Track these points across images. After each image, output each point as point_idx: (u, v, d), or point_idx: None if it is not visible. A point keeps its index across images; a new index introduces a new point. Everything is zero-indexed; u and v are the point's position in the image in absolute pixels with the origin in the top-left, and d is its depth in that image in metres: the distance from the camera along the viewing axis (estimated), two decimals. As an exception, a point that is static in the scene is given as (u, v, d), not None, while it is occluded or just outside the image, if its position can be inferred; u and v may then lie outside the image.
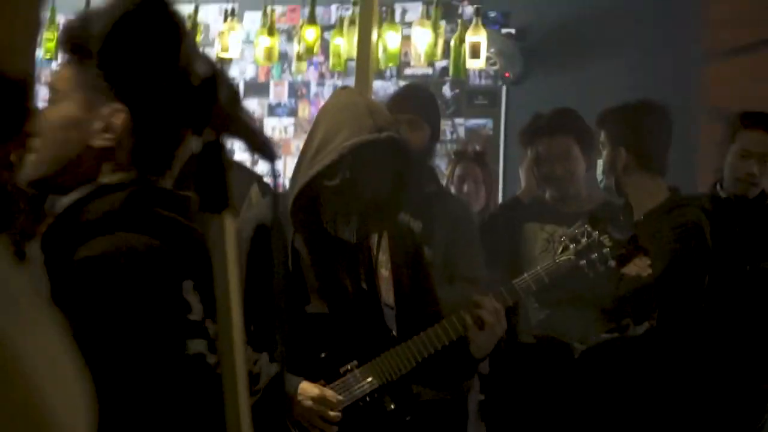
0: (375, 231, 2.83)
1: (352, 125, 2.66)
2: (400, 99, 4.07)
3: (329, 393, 2.69)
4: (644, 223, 3.54)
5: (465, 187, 4.86)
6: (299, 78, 6.68)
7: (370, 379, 2.75)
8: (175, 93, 0.94)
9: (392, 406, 2.78)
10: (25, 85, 0.63)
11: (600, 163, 3.69)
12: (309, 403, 2.66)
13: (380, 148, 2.67)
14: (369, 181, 2.70)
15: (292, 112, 6.78)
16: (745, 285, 3.92)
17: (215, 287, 1.00)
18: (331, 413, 2.68)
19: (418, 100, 4.08)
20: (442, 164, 5.66)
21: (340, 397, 2.70)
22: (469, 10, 6.24)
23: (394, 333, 2.81)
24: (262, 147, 1.07)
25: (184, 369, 1.75)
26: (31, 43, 0.64)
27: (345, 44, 5.37)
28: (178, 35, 0.91)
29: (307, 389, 2.67)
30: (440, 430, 3.68)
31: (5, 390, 0.52)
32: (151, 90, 0.93)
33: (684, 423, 3.83)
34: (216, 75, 0.96)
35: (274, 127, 6.83)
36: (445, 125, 6.36)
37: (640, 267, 3.44)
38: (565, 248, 2.97)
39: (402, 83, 6.27)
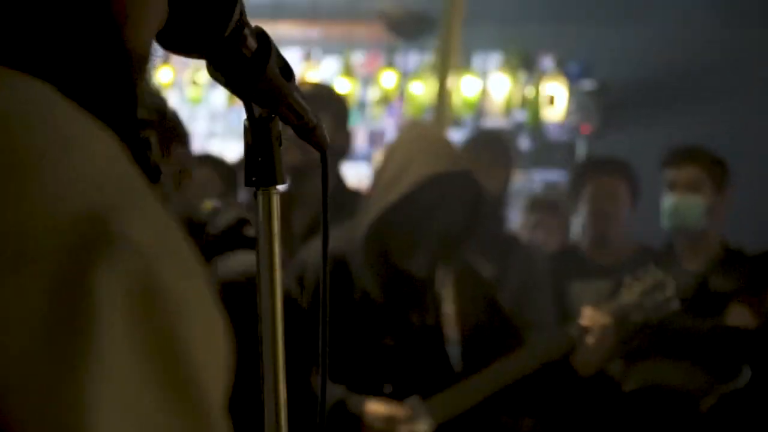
0: (441, 265, 2.81)
1: (428, 156, 2.66)
2: (475, 145, 4.08)
3: (397, 411, 2.66)
4: (716, 268, 3.49)
5: (537, 236, 4.84)
6: (376, 125, 6.72)
7: (433, 416, 2.72)
8: (224, 63, 0.94)
9: None
10: (147, 61, 0.72)
11: (694, 201, 3.60)
12: (380, 424, 2.64)
13: (454, 181, 2.67)
14: (441, 213, 2.69)
15: (369, 159, 6.82)
16: None
17: (258, 262, 1.00)
18: (405, 428, 2.65)
19: (494, 147, 4.09)
20: (516, 214, 5.64)
21: (408, 413, 2.66)
22: (548, 61, 6.23)
23: (458, 370, 2.78)
24: (310, 134, 1.06)
25: None
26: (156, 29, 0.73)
27: (423, 91, 5.40)
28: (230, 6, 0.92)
29: (375, 410, 2.65)
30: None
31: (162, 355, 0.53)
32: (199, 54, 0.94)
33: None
34: (267, 49, 0.96)
35: (349, 174, 6.87)
36: (521, 177, 6.35)
37: (743, 316, 3.41)
38: (631, 288, 2.93)
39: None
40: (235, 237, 2.10)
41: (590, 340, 2.80)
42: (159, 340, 0.52)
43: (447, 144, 2.80)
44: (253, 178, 1.00)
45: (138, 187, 0.56)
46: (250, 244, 2.00)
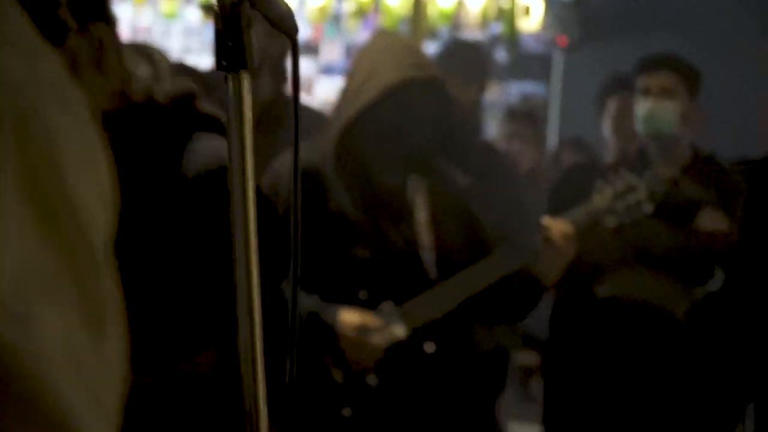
0: (414, 174, 2.82)
1: (393, 63, 2.65)
2: (446, 56, 4.06)
3: (369, 320, 2.69)
4: (688, 174, 3.53)
5: (513, 146, 4.87)
6: (352, 38, 6.69)
7: (408, 321, 2.75)
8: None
9: (431, 350, 2.77)
10: None
11: (669, 107, 3.62)
12: (353, 333, 2.67)
13: (422, 87, 2.66)
14: (410, 121, 2.68)
15: (344, 72, 6.81)
16: None
17: (230, 148, 1.01)
18: (376, 340, 2.68)
19: (465, 57, 4.07)
20: (492, 126, 5.67)
21: (381, 322, 2.70)
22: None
23: (432, 276, 2.81)
24: (279, 21, 1.06)
25: None
26: None
27: (398, 3, 5.38)
28: None
29: (348, 319, 2.68)
30: (479, 381, 3.69)
31: (35, 170, 0.52)
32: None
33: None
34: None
35: (326, 88, 6.88)
36: (498, 90, 6.38)
37: (716, 221, 3.46)
38: (603, 192, 2.96)
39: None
40: (188, 110, 2.02)
41: (551, 250, 2.82)
42: (33, 168, 0.51)
43: (415, 51, 2.78)
44: (223, 63, 1.01)
45: (10, 21, 0.55)
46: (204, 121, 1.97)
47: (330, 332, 2.66)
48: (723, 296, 3.61)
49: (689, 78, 3.63)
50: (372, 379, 2.70)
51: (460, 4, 5.66)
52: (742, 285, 3.83)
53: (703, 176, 3.60)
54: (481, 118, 4.29)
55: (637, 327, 3.53)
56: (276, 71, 3.26)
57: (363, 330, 2.66)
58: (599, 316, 3.64)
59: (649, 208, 2.95)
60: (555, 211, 3.84)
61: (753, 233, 3.75)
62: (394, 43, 2.77)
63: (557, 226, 2.82)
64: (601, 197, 2.95)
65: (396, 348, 2.72)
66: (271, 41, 3.03)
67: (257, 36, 1.01)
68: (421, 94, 2.66)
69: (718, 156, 3.76)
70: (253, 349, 1.01)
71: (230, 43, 0.99)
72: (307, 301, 2.64)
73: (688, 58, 4.04)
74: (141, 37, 7.67)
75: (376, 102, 2.60)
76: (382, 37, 2.93)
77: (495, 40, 6.46)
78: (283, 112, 3.17)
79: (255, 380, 1.01)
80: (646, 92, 3.60)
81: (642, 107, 3.60)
